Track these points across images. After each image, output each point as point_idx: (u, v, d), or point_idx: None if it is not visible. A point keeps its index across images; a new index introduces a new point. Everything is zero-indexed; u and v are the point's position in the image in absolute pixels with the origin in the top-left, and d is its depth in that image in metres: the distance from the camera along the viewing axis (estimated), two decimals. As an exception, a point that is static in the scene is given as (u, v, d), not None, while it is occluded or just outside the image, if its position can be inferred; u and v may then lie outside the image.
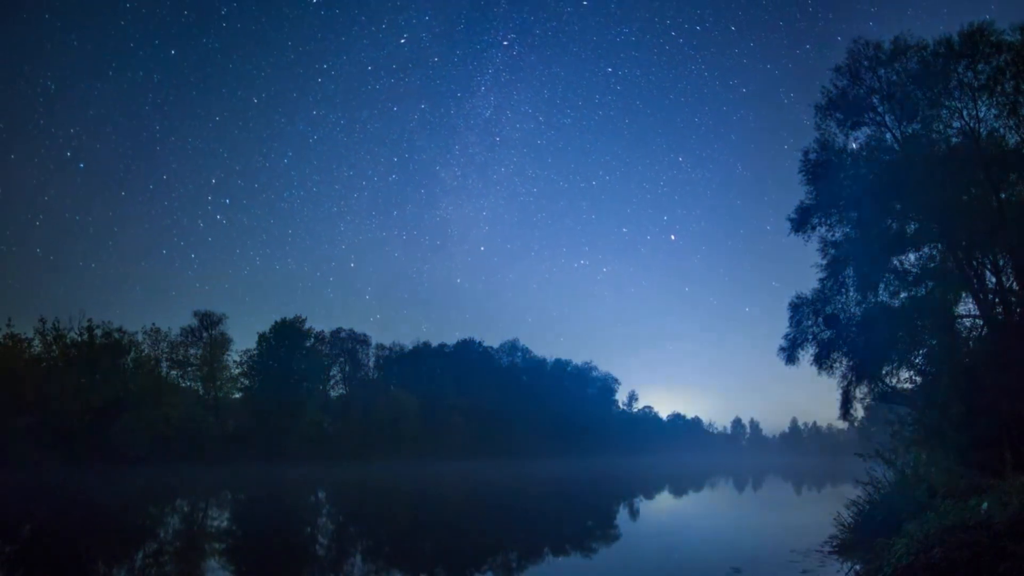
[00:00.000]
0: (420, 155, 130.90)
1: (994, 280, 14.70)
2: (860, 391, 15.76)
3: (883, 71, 15.41)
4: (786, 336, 16.19)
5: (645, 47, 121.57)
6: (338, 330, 72.40)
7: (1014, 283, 14.49)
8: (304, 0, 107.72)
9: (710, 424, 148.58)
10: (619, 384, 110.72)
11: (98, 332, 47.39)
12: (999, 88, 14.03)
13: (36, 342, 45.68)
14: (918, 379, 15.11)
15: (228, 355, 58.60)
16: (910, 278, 15.48)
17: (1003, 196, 14.22)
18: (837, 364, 15.62)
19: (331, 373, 69.33)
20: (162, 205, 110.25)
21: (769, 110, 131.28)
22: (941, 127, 15.06)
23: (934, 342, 14.56)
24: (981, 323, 14.64)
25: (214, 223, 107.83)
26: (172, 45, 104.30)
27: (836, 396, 15.90)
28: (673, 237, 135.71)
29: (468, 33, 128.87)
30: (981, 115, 14.37)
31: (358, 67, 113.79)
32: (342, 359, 72.13)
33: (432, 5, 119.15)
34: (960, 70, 14.30)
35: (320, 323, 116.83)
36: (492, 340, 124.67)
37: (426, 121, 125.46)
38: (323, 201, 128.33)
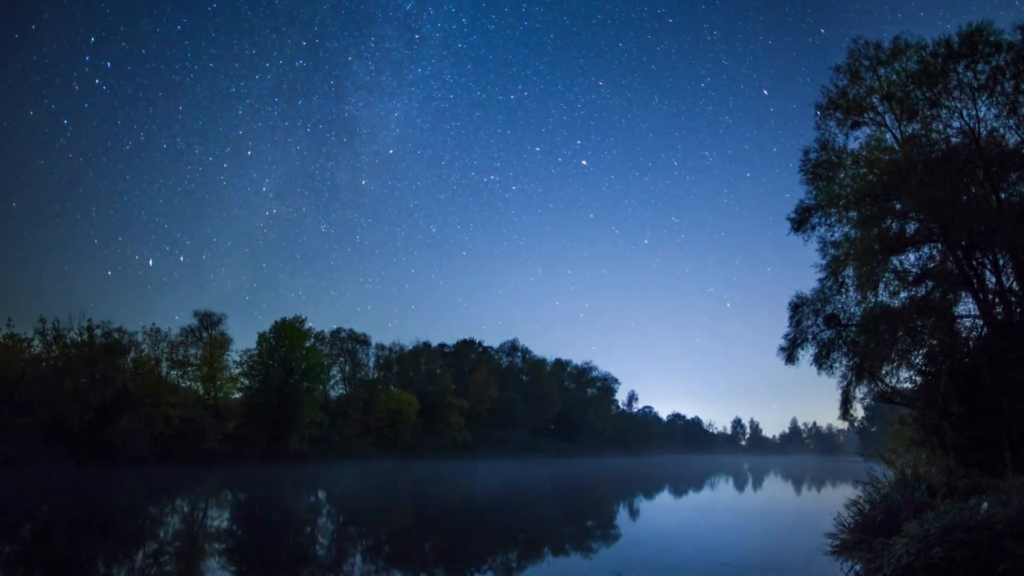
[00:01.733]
0: (332, 42, 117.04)
1: (994, 280, 14.68)
2: (860, 391, 15.77)
3: (883, 71, 15.43)
4: (786, 336, 16.19)
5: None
6: (338, 330, 72.43)
7: (1014, 283, 14.48)
8: None
9: (710, 424, 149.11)
10: (619, 384, 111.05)
11: (98, 332, 47.37)
12: (999, 88, 14.03)
13: (36, 342, 45.70)
14: (918, 379, 15.10)
15: (228, 355, 58.64)
16: (910, 278, 15.48)
17: (1003, 196, 14.22)
18: (837, 364, 15.62)
19: (331, 373, 69.32)
20: (29, 60, 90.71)
21: (691, 44, 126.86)
22: (941, 127, 15.08)
23: (934, 342, 14.55)
24: (981, 323, 14.63)
25: (92, 88, 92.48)
26: None
27: (836, 396, 15.91)
28: (584, 162, 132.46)
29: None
30: (981, 115, 14.39)
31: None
32: (342, 359, 72.10)
33: None
34: (960, 70, 14.31)
35: (204, 205, 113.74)
36: (491, 339, 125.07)
37: (341, 5, 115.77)
38: (220, 79, 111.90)
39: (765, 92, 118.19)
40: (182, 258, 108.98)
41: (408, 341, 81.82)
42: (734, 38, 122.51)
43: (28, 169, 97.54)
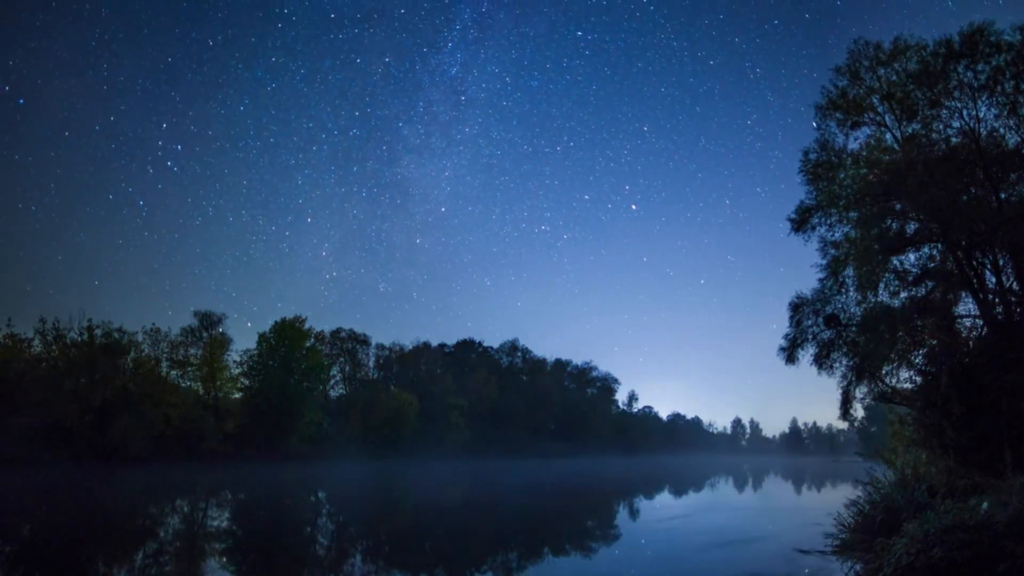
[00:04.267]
0: (382, 110, 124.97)
1: (994, 280, 14.69)
2: (860, 391, 15.76)
3: (883, 71, 15.43)
4: (786, 336, 16.20)
5: (616, 12, 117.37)
6: (338, 330, 72.56)
7: (1014, 283, 14.48)
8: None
9: (710, 424, 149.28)
10: (619, 384, 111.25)
11: (98, 332, 47.39)
12: (999, 88, 14.04)
13: (36, 342, 45.75)
14: (918, 379, 15.09)
15: (228, 355, 58.70)
16: (910, 278, 15.48)
17: (1003, 196, 14.22)
18: (837, 364, 15.62)
19: (331, 373, 69.36)
20: (108, 148, 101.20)
21: (735, 84, 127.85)
22: (941, 127, 15.08)
23: (934, 342, 14.55)
24: (981, 323, 14.63)
25: (164, 170, 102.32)
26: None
27: (836, 396, 15.91)
28: (634, 207, 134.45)
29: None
30: (981, 115, 14.39)
31: (320, 14, 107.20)
32: (342, 359, 72.18)
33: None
34: (960, 70, 14.31)
35: (268, 272, 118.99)
36: (492, 340, 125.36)
37: (390, 75, 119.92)
38: (280, 152, 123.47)
39: (814, 124, 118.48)
40: (249, 324, 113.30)
41: (408, 341, 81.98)
42: (778, 73, 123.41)
43: (108, 249, 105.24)
